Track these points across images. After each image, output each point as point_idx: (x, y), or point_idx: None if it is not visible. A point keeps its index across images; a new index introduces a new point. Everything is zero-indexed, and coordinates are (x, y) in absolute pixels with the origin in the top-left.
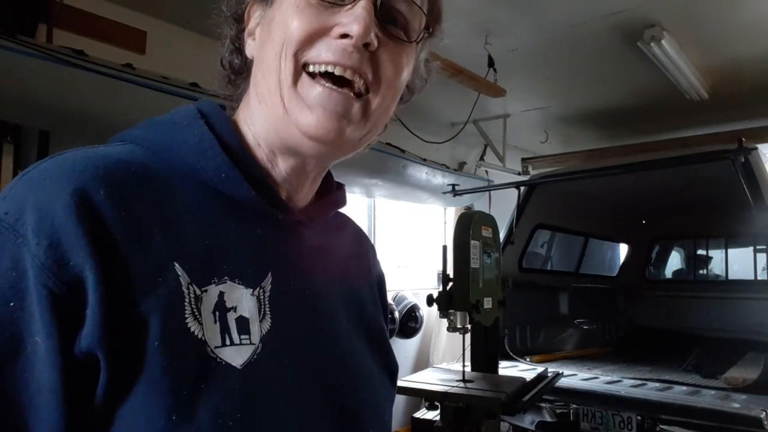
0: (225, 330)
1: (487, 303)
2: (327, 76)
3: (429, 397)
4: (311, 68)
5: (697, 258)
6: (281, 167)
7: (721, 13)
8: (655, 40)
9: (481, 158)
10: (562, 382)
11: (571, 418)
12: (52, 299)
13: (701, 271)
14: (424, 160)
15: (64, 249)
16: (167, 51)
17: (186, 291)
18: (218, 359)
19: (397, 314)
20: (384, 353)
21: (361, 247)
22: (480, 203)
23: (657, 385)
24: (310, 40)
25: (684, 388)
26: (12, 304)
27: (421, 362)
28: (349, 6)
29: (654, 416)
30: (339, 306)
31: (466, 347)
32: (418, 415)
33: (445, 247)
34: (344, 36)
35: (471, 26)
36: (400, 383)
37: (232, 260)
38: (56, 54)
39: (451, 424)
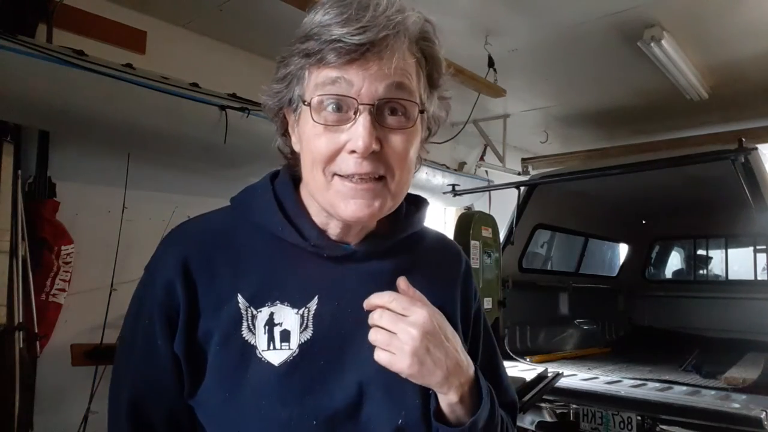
0: (271, 339)
1: (487, 303)
2: (351, 178)
3: None
4: (338, 176)
5: (697, 258)
6: (333, 230)
7: (721, 13)
8: (655, 40)
9: (481, 158)
10: (562, 382)
11: (571, 418)
12: (166, 319)
13: (701, 271)
14: (424, 160)
15: (171, 290)
16: (167, 51)
17: (244, 312)
18: (263, 359)
19: None
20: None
21: (438, 259)
22: (480, 203)
23: (657, 385)
24: (331, 157)
25: (684, 388)
26: (147, 322)
27: None
28: (352, 123)
29: (654, 416)
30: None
31: None
32: None
33: None
34: (353, 151)
35: (471, 26)
36: None
37: (284, 289)
38: (56, 54)
39: None
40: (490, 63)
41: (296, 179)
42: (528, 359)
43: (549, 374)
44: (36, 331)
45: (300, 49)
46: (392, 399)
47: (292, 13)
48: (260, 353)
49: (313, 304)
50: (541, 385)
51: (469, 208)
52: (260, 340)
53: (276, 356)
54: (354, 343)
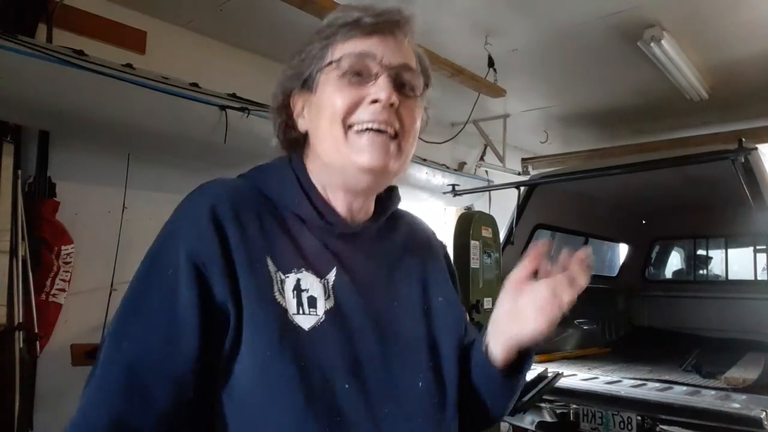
0: (299, 304)
1: (487, 303)
2: (368, 131)
3: None
4: (356, 128)
5: (697, 258)
6: (338, 204)
7: (721, 13)
8: (655, 40)
9: (481, 158)
10: (562, 382)
11: (571, 418)
12: (194, 268)
13: (701, 271)
14: (424, 160)
15: (202, 239)
16: (167, 51)
17: (274, 276)
18: (294, 322)
19: None
20: (443, 327)
21: (416, 240)
22: (480, 203)
23: (657, 385)
24: (351, 109)
25: (684, 388)
26: (170, 272)
27: None
28: (374, 81)
29: (654, 416)
30: (391, 291)
31: None
32: None
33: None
34: (375, 101)
35: (471, 26)
36: None
37: (307, 258)
38: (56, 54)
39: None
40: (490, 63)
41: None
42: None
43: (549, 374)
44: (36, 331)
45: (319, 36)
46: (412, 364)
47: (292, 13)
48: (291, 317)
49: (332, 276)
50: (541, 385)
51: (469, 208)
52: (290, 304)
53: (305, 321)
54: (372, 312)
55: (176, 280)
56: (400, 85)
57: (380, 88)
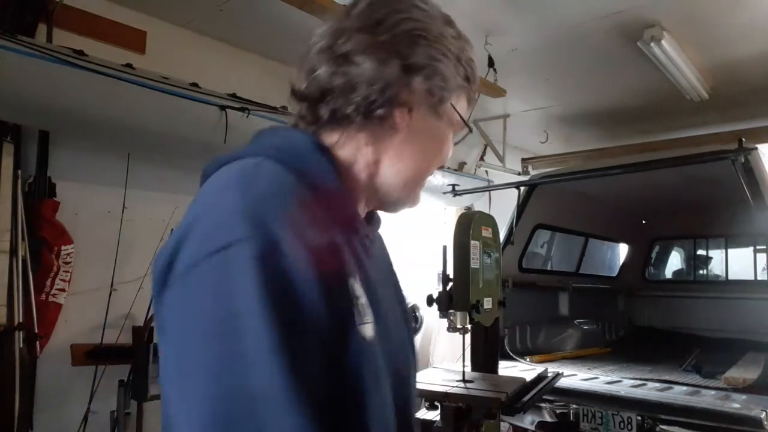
0: (359, 312)
1: (487, 303)
2: None
3: (429, 397)
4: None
5: (697, 258)
6: (361, 206)
7: (721, 13)
8: (655, 40)
9: (481, 158)
10: (562, 382)
11: (571, 418)
12: (318, 285)
13: (701, 271)
14: None
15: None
16: (167, 51)
17: (350, 283)
18: (361, 332)
19: None
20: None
21: (381, 239)
22: (480, 203)
23: (657, 385)
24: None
25: (684, 388)
26: (306, 298)
27: (421, 362)
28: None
29: (654, 416)
30: (394, 295)
31: (466, 347)
32: (418, 415)
33: (445, 247)
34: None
35: (471, 26)
36: None
37: (350, 262)
38: (56, 54)
39: (451, 424)
40: (490, 63)
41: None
42: (528, 359)
43: (549, 374)
44: (36, 331)
45: (464, 64)
46: (413, 370)
47: (292, 13)
48: (358, 326)
49: (358, 277)
50: (541, 385)
51: (469, 208)
52: (356, 313)
53: (368, 330)
54: (390, 318)
55: (314, 303)
56: None
57: (448, 157)
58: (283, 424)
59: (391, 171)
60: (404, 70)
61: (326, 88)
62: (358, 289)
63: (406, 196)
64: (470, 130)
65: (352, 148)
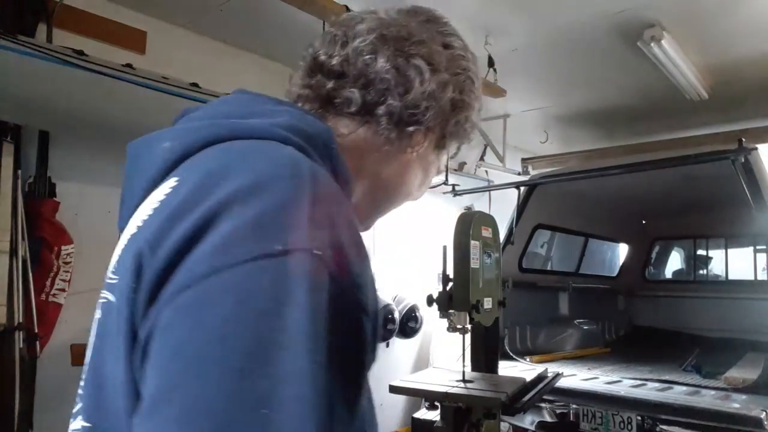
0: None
1: (487, 303)
2: None
3: (429, 397)
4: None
5: (697, 258)
6: None
7: (721, 13)
8: (655, 40)
9: (481, 158)
10: (562, 383)
11: (571, 418)
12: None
13: (701, 271)
14: None
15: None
16: (167, 51)
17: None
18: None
19: (397, 314)
20: None
21: None
22: (480, 203)
23: (657, 385)
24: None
25: (684, 388)
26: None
27: (421, 362)
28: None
29: (654, 416)
30: None
31: (466, 347)
32: (418, 415)
33: (445, 247)
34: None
35: (471, 26)
36: (400, 383)
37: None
38: (56, 54)
39: (451, 424)
40: (490, 63)
41: None
42: (528, 359)
43: (549, 374)
44: (36, 331)
45: (475, 108)
46: None
47: (292, 13)
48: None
49: None
50: (541, 385)
51: (469, 208)
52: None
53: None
54: None
55: (359, 329)
56: None
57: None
58: None
59: (386, 187)
60: (453, 103)
61: (374, 78)
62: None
63: (375, 215)
64: (445, 181)
65: (362, 151)
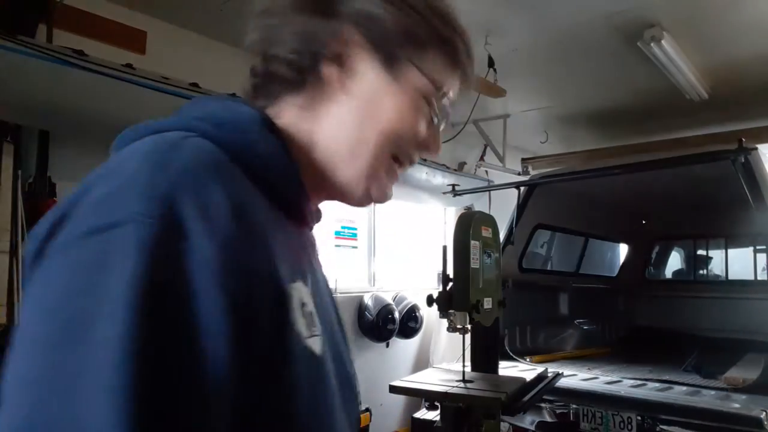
0: (305, 323)
1: (487, 303)
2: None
3: (429, 397)
4: (396, 161)
5: (697, 258)
6: (315, 198)
7: (721, 13)
8: (655, 40)
9: (481, 158)
10: (562, 383)
11: (571, 419)
12: (232, 303)
13: (701, 271)
14: (424, 160)
15: (240, 250)
16: (167, 51)
17: (285, 288)
18: (308, 348)
19: (397, 314)
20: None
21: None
22: (480, 203)
23: (657, 385)
24: (408, 138)
25: (684, 388)
26: (186, 308)
27: (421, 362)
28: (435, 123)
29: (654, 416)
30: (333, 302)
31: (466, 347)
32: (418, 415)
33: (445, 247)
34: (425, 148)
35: (471, 26)
36: (400, 383)
37: (295, 262)
38: (56, 54)
39: (451, 424)
40: (490, 63)
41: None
42: (528, 359)
43: (549, 374)
44: None
45: (441, 20)
46: (355, 380)
47: None
48: (304, 341)
49: (309, 280)
50: (541, 385)
51: (469, 208)
52: (300, 326)
53: (315, 344)
54: (334, 325)
55: (198, 322)
56: None
57: (437, 142)
58: None
59: (329, 140)
60: (327, 15)
61: (263, 52)
62: (306, 295)
63: (359, 175)
64: (443, 94)
65: (291, 117)
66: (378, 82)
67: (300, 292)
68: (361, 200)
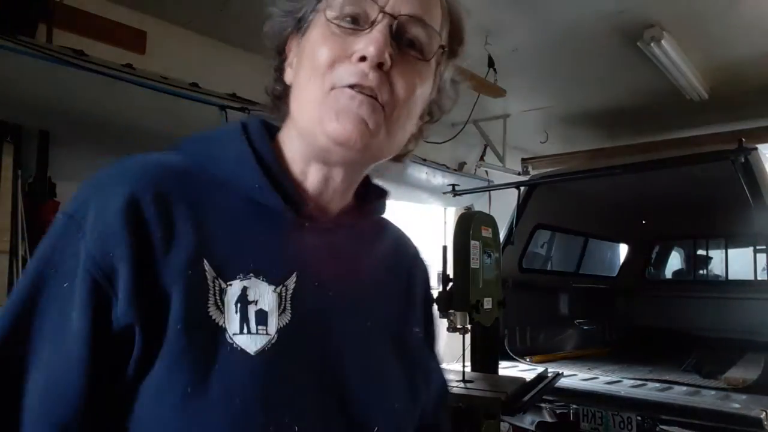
0: (244, 320)
1: (487, 303)
2: (347, 95)
3: None
4: (335, 89)
5: (697, 258)
6: (312, 178)
7: (721, 13)
8: (655, 40)
9: (481, 158)
10: (562, 383)
11: (571, 419)
12: (92, 284)
13: (701, 272)
14: (424, 160)
15: (109, 242)
16: (167, 51)
17: (211, 284)
18: (234, 345)
19: None
20: (417, 367)
21: (399, 257)
22: (480, 203)
23: (657, 385)
24: (334, 64)
25: (684, 388)
26: (65, 284)
27: None
28: (367, 30)
29: (654, 416)
30: (364, 308)
31: (466, 347)
32: None
33: (445, 248)
34: (362, 59)
35: (471, 26)
36: None
37: (259, 260)
38: (56, 54)
39: (451, 424)
40: (490, 63)
41: (270, 130)
42: (528, 359)
43: (549, 374)
44: None
45: None
46: (375, 403)
47: None
48: (231, 338)
49: (292, 282)
50: (541, 385)
51: (469, 208)
52: (231, 321)
53: (251, 342)
54: (336, 333)
55: (70, 300)
56: (406, 42)
57: (370, 41)
58: None
59: (295, 113)
60: (279, 50)
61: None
62: (265, 293)
63: (310, 117)
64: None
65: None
66: (302, 43)
67: (246, 290)
68: (335, 142)
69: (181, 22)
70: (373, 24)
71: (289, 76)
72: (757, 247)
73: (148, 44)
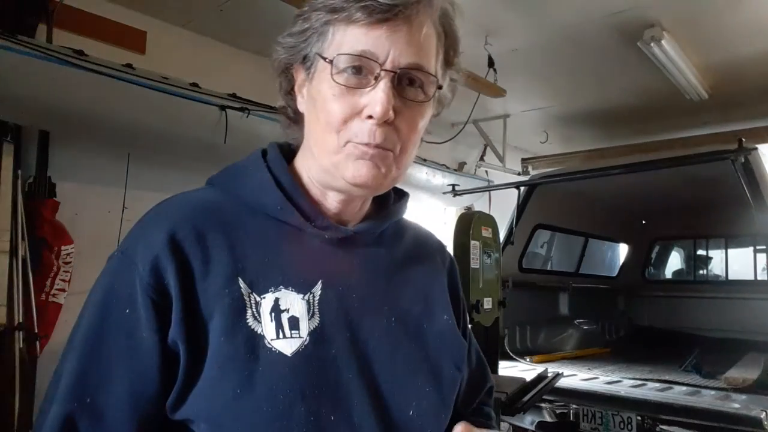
0: (279, 326)
1: (487, 303)
2: (362, 151)
3: None
4: (350, 144)
5: (697, 258)
6: (331, 200)
7: (721, 13)
8: (655, 40)
9: (481, 158)
10: (562, 383)
11: (571, 418)
12: (154, 306)
13: (701, 271)
14: (424, 160)
15: (160, 271)
16: (167, 51)
17: (247, 299)
18: (273, 349)
19: None
20: (447, 353)
21: (423, 251)
22: (480, 203)
23: (657, 385)
24: (346, 120)
25: (684, 388)
26: (127, 311)
27: None
28: (372, 87)
29: (654, 416)
30: (388, 306)
31: None
32: None
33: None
34: (370, 116)
35: (471, 26)
36: None
37: (287, 273)
38: (56, 54)
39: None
40: (490, 63)
41: (287, 154)
42: (528, 359)
43: (549, 374)
44: (36, 331)
45: (326, 3)
46: (406, 389)
47: (292, 13)
48: (269, 343)
49: (318, 290)
50: (541, 385)
51: (469, 208)
52: (267, 329)
53: (287, 345)
54: (362, 330)
55: (135, 319)
56: (406, 81)
57: (376, 102)
58: (46, 409)
59: (311, 148)
60: (286, 73)
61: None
62: (295, 302)
63: (327, 167)
64: (341, 55)
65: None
66: (311, 87)
67: (278, 300)
68: (356, 186)
69: (181, 22)
70: (377, 79)
71: (301, 105)
72: (757, 247)
73: (148, 44)
